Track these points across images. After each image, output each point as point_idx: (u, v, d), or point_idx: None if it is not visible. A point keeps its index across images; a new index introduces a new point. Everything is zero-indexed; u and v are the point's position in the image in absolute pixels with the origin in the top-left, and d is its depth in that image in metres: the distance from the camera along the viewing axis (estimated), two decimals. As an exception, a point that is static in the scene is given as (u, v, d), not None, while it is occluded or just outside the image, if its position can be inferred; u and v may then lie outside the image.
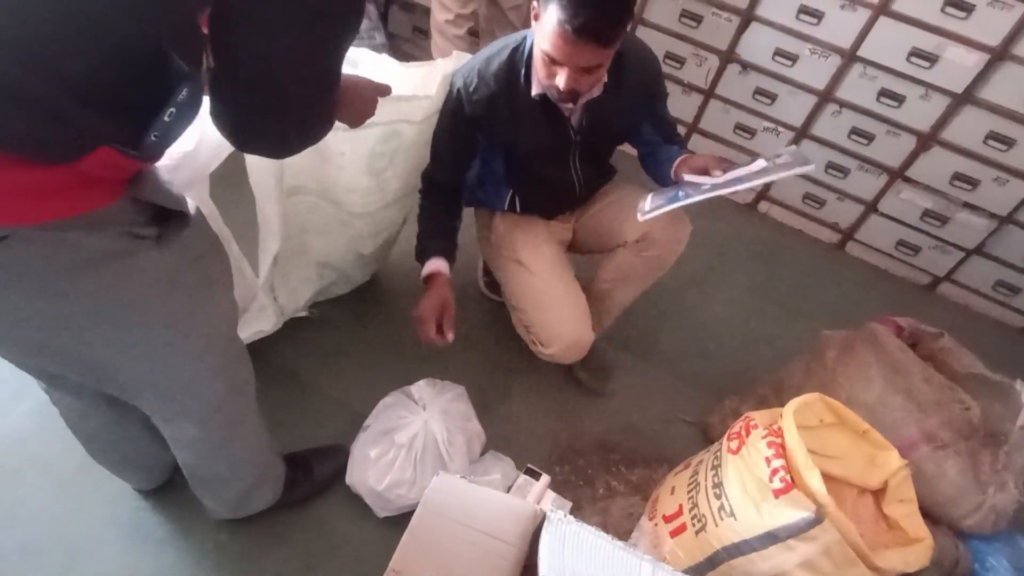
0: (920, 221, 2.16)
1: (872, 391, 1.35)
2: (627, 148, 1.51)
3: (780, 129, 2.22)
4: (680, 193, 1.19)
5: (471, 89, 1.25)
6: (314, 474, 1.30)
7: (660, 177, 1.35)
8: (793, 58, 2.05)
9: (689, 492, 1.18)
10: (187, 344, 0.81)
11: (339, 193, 1.30)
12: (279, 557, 1.23)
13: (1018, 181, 1.94)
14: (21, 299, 0.64)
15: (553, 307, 1.38)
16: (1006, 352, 2.05)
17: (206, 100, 0.68)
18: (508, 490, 1.33)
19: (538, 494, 1.27)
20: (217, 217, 1.22)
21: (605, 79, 1.19)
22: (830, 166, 2.21)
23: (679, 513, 1.18)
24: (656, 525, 1.23)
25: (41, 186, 0.58)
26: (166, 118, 0.60)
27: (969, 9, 1.75)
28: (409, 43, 2.68)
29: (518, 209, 1.46)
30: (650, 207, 1.22)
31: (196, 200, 1.09)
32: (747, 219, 2.37)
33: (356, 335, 1.64)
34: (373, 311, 1.70)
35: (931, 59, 1.85)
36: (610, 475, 1.48)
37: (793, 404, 1.08)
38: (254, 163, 1.16)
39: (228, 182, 1.24)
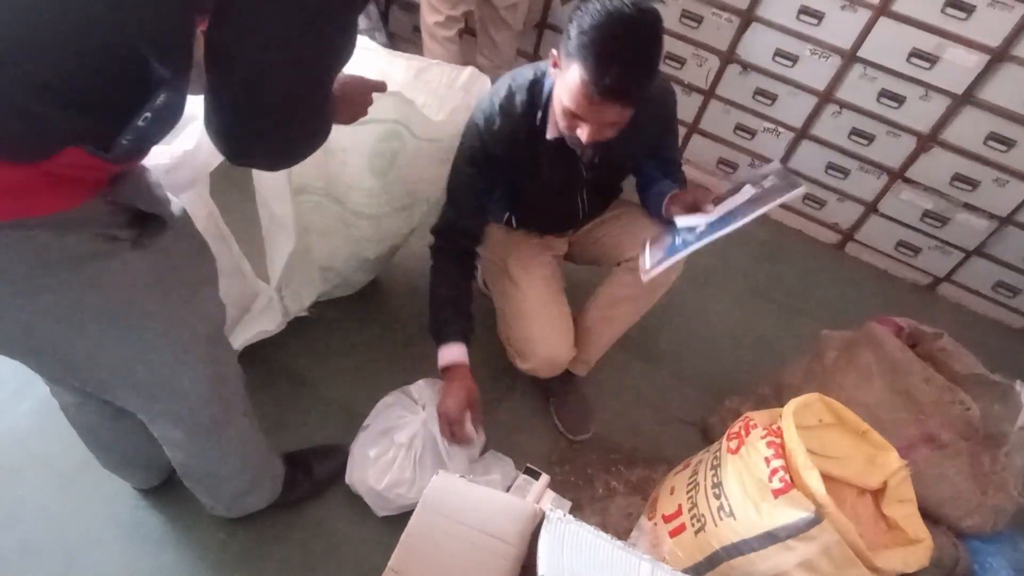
0: (920, 222, 2.16)
1: (872, 391, 1.35)
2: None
3: (780, 130, 2.22)
4: (677, 242, 1.18)
5: (495, 127, 1.21)
6: (313, 474, 1.30)
7: (652, 209, 1.34)
8: (793, 59, 2.05)
9: (688, 492, 1.18)
10: (166, 346, 0.81)
11: (342, 190, 1.30)
12: (279, 556, 1.23)
13: (1018, 182, 1.94)
14: None
15: (534, 323, 1.36)
16: (1006, 352, 2.05)
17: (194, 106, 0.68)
18: (507, 490, 1.33)
19: (537, 494, 1.27)
20: (217, 216, 1.22)
21: None
22: (830, 167, 2.21)
23: (678, 513, 1.18)
24: (655, 525, 1.23)
25: (1, 185, 0.57)
26: (140, 122, 0.60)
27: (969, 10, 1.75)
28: (409, 43, 2.68)
29: (514, 225, 1.45)
30: (651, 264, 1.21)
31: (196, 199, 1.09)
32: (747, 219, 2.36)
33: (356, 335, 1.64)
34: (373, 311, 1.70)
35: (931, 60, 1.85)
36: (610, 475, 1.48)
37: (792, 404, 1.08)
38: None
39: (228, 182, 1.24)
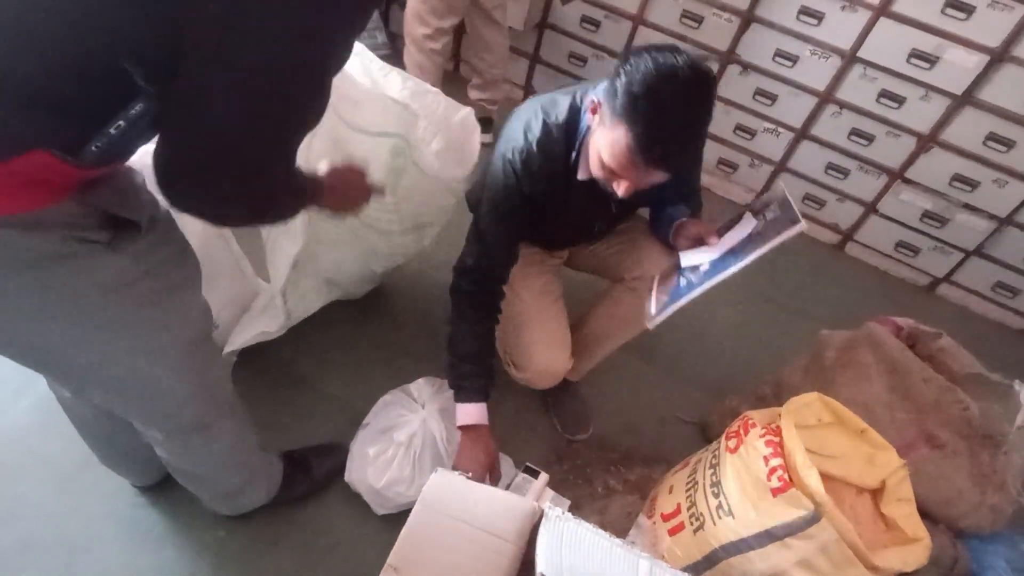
0: (920, 222, 2.16)
1: (871, 391, 1.35)
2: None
3: (780, 130, 2.22)
4: (682, 284, 1.15)
5: (533, 168, 1.14)
6: (313, 472, 1.30)
7: (660, 232, 1.31)
8: (793, 59, 2.06)
9: (687, 491, 1.18)
10: (140, 349, 0.80)
11: None
12: (278, 554, 1.23)
13: (1018, 182, 1.95)
14: None
15: (532, 334, 1.34)
16: (1005, 352, 2.05)
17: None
18: (507, 488, 1.33)
19: (537, 492, 1.27)
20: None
21: None
22: (830, 167, 2.21)
23: (677, 512, 1.18)
24: (654, 523, 1.23)
25: None
26: (112, 130, 0.59)
27: (969, 10, 1.75)
28: (410, 43, 2.68)
29: None
30: (656, 310, 1.17)
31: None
32: (747, 219, 2.37)
33: (356, 334, 1.64)
34: (373, 310, 1.70)
35: (931, 60, 1.86)
36: (609, 474, 1.48)
37: (791, 403, 1.09)
38: None
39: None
